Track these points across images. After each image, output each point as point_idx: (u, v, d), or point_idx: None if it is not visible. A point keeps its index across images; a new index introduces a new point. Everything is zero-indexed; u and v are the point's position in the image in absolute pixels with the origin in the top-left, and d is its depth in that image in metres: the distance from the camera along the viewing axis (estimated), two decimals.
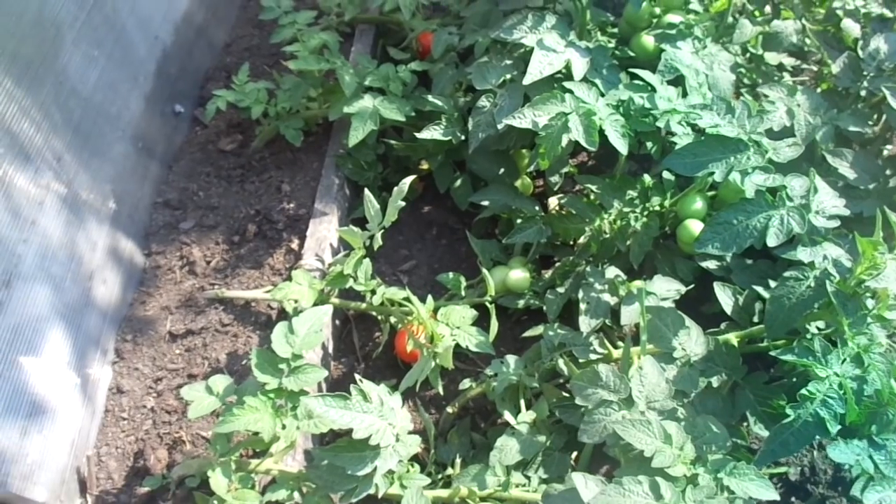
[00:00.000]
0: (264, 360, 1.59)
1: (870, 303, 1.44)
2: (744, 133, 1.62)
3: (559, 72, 2.00)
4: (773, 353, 1.43)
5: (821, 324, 1.68)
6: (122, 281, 2.11)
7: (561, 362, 1.84)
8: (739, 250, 1.54)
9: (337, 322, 2.17)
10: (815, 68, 2.74)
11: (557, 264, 2.13)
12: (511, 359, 1.83)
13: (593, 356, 1.86)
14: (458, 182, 2.31)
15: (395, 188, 1.88)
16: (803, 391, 1.33)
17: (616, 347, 1.89)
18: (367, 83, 2.14)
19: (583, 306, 1.91)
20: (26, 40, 1.75)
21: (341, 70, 2.11)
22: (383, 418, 1.47)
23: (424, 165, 2.45)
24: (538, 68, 1.91)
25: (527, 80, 1.90)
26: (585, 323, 1.89)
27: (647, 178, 2.07)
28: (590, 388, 1.51)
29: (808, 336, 1.63)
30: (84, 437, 1.86)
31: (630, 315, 1.86)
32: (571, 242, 2.14)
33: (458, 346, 1.82)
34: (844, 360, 1.33)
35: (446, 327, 1.82)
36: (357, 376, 1.61)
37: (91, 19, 2.03)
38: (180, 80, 2.49)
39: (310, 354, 1.95)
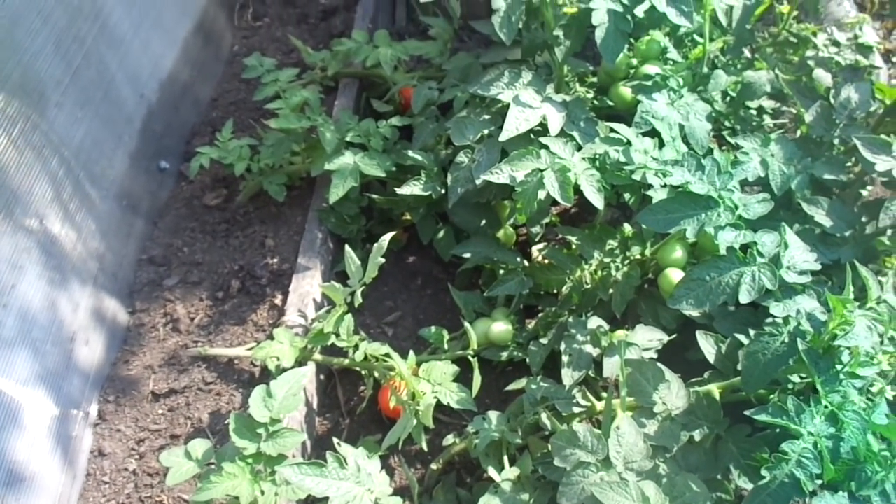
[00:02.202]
0: (242, 425, 1.58)
1: (846, 356, 1.44)
2: (714, 190, 1.64)
3: (537, 125, 2.03)
4: (746, 413, 1.43)
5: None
6: (105, 340, 2.11)
7: (544, 416, 1.83)
8: (713, 307, 1.55)
9: (321, 377, 2.16)
10: (794, 110, 2.78)
11: (541, 315, 2.13)
12: (493, 415, 1.83)
13: (576, 409, 1.86)
14: (441, 233, 2.32)
15: (375, 245, 1.89)
16: (779, 451, 1.32)
17: (600, 399, 1.89)
18: (349, 139, 2.17)
19: (565, 359, 1.91)
20: (10, 102, 1.78)
21: (322, 127, 2.14)
22: (360, 484, 1.46)
23: (408, 216, 2.47)
24: (514, 124, 1.93)
25: (503, 137, 1.93)
26: (568, 376, 1.89)
27: (626, 227, 2.09)
28: (568, 448, 1.51)
29: (787, 387, 1.63)
30: (65, 503, 1.84)
31: (613, 367, 1.86)
32: (555, 291, 2.15)
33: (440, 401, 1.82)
34: (819, 417, 1.33)
35: (428, 384, 1.82)
36: (335, 440, 1.60)
37: (77, 80, 2.06)
38: (166, 136, 2.53)
39: (293, 412, 1.95)
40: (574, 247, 2.09)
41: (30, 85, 1.87)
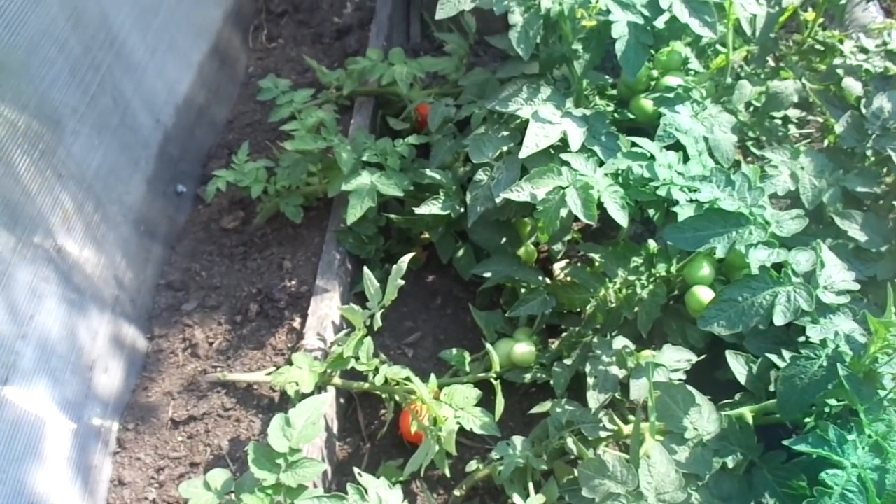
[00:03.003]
0: (261, 455, 1.55)
1: (889, 381, 1.37)
2: (745, 206, 1.58)
3: (557, 141, 1.98)
4: (785, 443, 1.36)
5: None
6: (125, 367, 2.09)
7: (569, 441, 1.78)
8: (746, 329, 1.49)
9: (342, 400, 2.13)
10: (820, 119, 2.71)
11: (564, 335, 2.08)
12: (518, 440, 1.78)
13: (603, 434, 1.80)
14: (461, 252, 2.28)
15: (394, 267, 1.85)
16: (821, 481, 1.26)
17: (627, 423, 1.83)
18: (365, 158, 2.14)
19: (590, 381, 1.85)
20: (27, 130, 1.77)
21: (338, 147, 2.11)
22: None
23: (427, 235, 2.44)
24: (534, 141, 1.89)
25: (523, 154, 1.88)
26: (594, 398, 1.84)
27: (651, 243, 2.03)
28: (597, 478, 1.45)
29: (825, 411, 1.56)
30: None
31: (640, 389, 1.80)
32: (579, 310, 2.09)
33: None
34: (862, 447, 1.26)
35: (450, 409, 1.77)
36: (356, 470, 1.56)
37: (93, 107, 2.06)
38: (182, 160, 2.52)
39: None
40: (597, 264, 2.04)
41: (46, 113, 1.86)
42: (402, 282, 1.84)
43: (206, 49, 2.73)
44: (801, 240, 1.68)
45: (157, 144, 2.37)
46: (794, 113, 2.78)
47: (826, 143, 2.51)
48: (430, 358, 2.25)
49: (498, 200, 1.91)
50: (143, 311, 2.23)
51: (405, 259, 1.82)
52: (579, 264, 2.18)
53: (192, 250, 2.40)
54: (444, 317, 2.38)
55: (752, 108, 2.45)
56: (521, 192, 1.84)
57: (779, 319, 1.45)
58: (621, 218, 1.76)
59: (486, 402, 1.88)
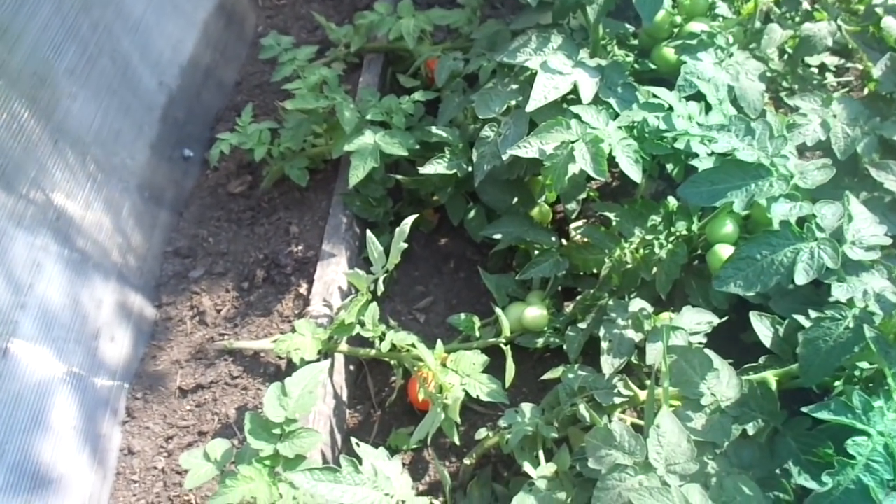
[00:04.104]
0: (258, 426, 1.51)
1: None
2: (765, 156, 1.46)
3: (569, 94, 1.87)
4: (805, 410, 1.26)
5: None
6: (133, 336, 2.07)
7: (582, 408, 1.70)
8: (765, 289, 1.39)
9: (351, 367, 2.08)
10: (860, 67, 2.54)
11: (579, 298, 1.99)
12: (527, 407, 1.70)
13: (617, 400, 1.72)
14: (472, 214, 2.19)
15: (397, 229, 1.78)
16: (844, 453, 1.17)
17: (643, 388, 1.75)
18: (370, 117, 2.06)
19: (605, 345, 1.77)
20: (22, 93, 1.73)
21: (341, 106, 2.03)
22: (378, 489, 1.36)
23: (435, 196, 2.35)
24: (542, 93, 1.78)
25: (530, 107, 1.78)
26: (608, 363, 1.75)
27: (671, 201, 1.92)
28: (603, 448, 1.38)
29: (854, 374, 1.46)
30: (96, 502, 1.81)
31: (656, 354, 1.71)
32: (594, 272, 2.00)
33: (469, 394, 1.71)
34: (890, 414, 1.16)
35: (456, 376, 1.71)
36: (353, 440, 1.51)
37: (91, 69, 2.00)
38: (188, 123, 2.46)
39: (320, 405, 1.87)
40: (613, 224, 1.93)
41: (41, 75, 1.81)
42: (405, 245, 1.77)
43: (210, 7, 2.65)
44: (832, 194, 1.55)
45: (161, 107, 2.32)
46: (831, 61, 2.60)
47: (866, 91, 2.34)
48: (442, 323, 2.19)
49: (505, 157, 1.81)
50: (151, 279, 2.20)
51: (408, 221, 1.75)
52: (595, 224, 2.07)
53: (199, 216, 2.36)
54: (457, 281, 2.30)
55: (784, 56, 2.29)
56: (528, 149, 1.74)
57: (800, 278, 1.35)
58: (634, 173, 1.65)
59: (497, 369, 1.81)
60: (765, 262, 1.39)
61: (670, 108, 1.77)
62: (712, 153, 1.69)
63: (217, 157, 2.24)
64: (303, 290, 2.12)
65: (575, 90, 1.83)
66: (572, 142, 1.66)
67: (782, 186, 1.43)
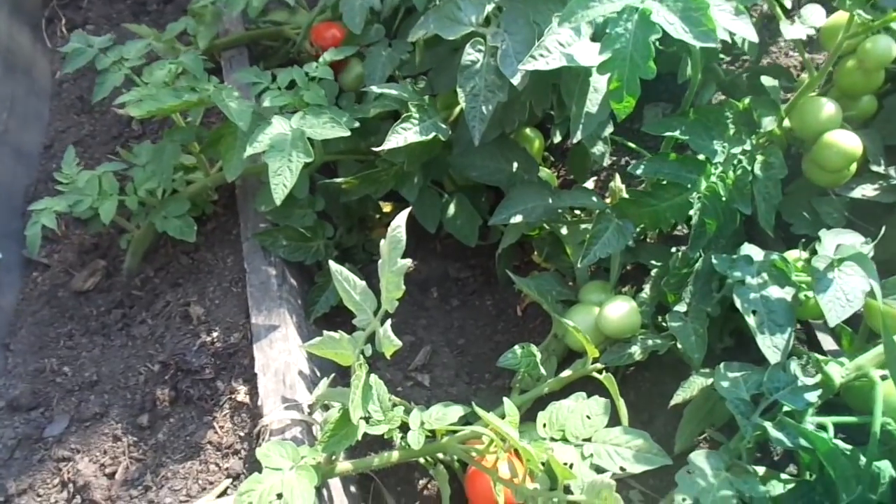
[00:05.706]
0: None
1: None
2: None
3: None
4: None
5: None
6: None
7: (770, 428, 1.03)
8: None
9: (352, 489, 1.30)
10: None
11: (656, 271, 1.34)
12: (701, 460, 1.01)
13: (810, 397, 1.07)
14: (452, 209, 1.50)
15: (384, 240, 1.05)
16: None
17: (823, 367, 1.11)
18: (268, 103, 1.32)
19: (752, 320, 1.12)
20: None
21: (219, 97, 1.28)
22: None
23: (387, 208, 1.65)
24: None
25: None
26: (768, 345, 1.11)
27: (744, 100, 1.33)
28: None
29: None
30: None
31: (836, 307, 1.09)
32: (669, 229, 1.37)
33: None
34: None
35: (567, 447, 0.99)
36: None
37: None
38: None
39: None
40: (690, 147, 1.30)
41: None
42: (409, 261, 1.05)
43: None
44: None
45: None
46: None
47: None
48: (457, 378, 1.47)
49: (517, 81, 1.14)
50: None
51: (403, 214, 1.04)
52: (657, 155, 1.40)
53: (37, 341, 1.49)
54: (452, 312, 1.60)
55: None
56: (553, 53, 1.07)
57: None
58: (748, 32, 1.02)
59: None
60: None
61: None
62: None
63: (37, 242, 1.40)
64: (241, 395, 1.31)
65: None
66: (638, 6, 0.99)
67: None
